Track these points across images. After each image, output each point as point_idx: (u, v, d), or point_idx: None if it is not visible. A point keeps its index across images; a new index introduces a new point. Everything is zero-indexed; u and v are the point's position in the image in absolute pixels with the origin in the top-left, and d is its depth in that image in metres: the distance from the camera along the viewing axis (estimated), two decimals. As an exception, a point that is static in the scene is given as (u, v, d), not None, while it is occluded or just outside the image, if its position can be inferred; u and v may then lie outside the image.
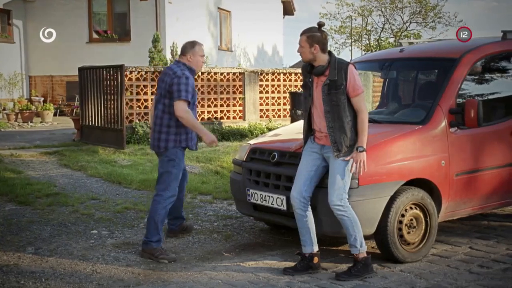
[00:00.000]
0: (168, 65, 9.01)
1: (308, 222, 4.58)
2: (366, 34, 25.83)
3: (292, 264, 4.79)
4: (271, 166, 5.09)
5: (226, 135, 11.87)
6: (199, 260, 5.04)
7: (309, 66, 4.55)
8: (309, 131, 4.67)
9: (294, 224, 4.99)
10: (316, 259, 4.64)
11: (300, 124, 6.02)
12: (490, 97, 5.52)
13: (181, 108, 5.03)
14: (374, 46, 26.16)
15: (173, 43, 14.56)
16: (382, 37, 25.99)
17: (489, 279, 4.45)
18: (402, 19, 26.82)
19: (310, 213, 4.57)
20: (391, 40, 27.59)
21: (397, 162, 4.73)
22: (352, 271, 4.50)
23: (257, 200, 5.14)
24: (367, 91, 6.22)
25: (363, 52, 25.78)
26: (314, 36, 4.45)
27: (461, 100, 5.11)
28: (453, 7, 46.13)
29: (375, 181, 4.60)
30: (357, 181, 4.55)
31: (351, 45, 26.27)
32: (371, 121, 5.41)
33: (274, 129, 12.53)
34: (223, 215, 6.47)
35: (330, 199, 4.44)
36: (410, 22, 26.96)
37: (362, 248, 4.54)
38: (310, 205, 4.60)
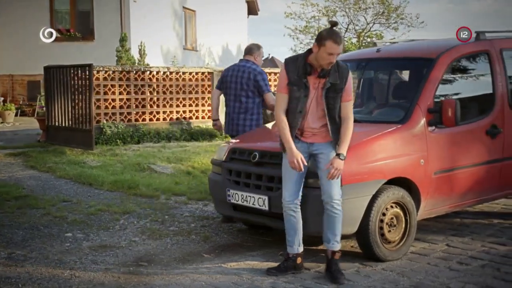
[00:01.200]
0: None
1: (297, 223, 4.56)
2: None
3: (274, 264, 4.77)
4: (251, 166, 5.06)
5: (195, 135, 11.79)
6: (179, 262, 4.98)
7: (308, 66, 4.40)
8: (293, 130, 4.51)
9: (276, 224, 4.98)
10: (299, 259, 4.63)
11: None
12: (466, 96, 5.60)
13: (272, 98, 6.04)
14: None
15: (141, 43, 14.35)
16: (346, 37, 26.21)
17: (469, 275, 4.52)
18: (366, 19, 27.23)
19: (299, 214, 4.55)
20: (354, 40, 27.89)
21: (378, 161, 4.76)
22: (339, 269, 4.49)
23: (237, 201, 5.10)
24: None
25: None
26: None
27: (439, 99, 5.18)
28: (414, 8, 47.04)
29: (357, 180, 4.61)
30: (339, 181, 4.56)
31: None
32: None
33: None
34: (200, 216, 6.41)
35: (332, 193, 4.40)
36: (374, 23, 27.40)
37: (339, 245, 4.56)
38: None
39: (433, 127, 5.10)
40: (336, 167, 4.36)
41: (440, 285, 4.31)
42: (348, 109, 4.48)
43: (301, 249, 4.63)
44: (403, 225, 4.96)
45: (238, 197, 5.08)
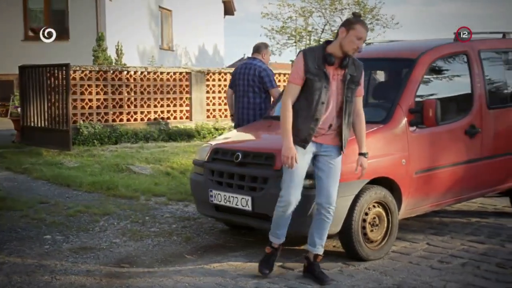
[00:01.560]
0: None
1: (289, 218, 4.50)
2: (307, 35, 26.06)
3: (256, 264, 4.75)
4: (234, 166, 5.04)
5: (173, 136, 11.72)
6: (162, 263, 4.93)
7: (328, 55, 4.26)
8: (316, 122, 4.29)
9: (259, 224, 4.98)
10: (281, 248, 4.65)
11: (260, 123, 6.01)
12: (445, 96, 5.66)
13: (278, 92, 6.51)
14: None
15: (118, 42, 14.20)
16: (323, 38, 26.31)
17: (450, 274, 4.57)
18: (342, 20, 27.21)
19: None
20: (330, 41, 27.89)
21: (361, 161, 4.77)
22: (321, 271, 4.50)
23: (220, 201, 5.08)
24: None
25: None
26: None
27: (420, 99, 5.22)
28: (388, 9, 47.52)
29: (342, 180, 4.61)
30: (323, 181, 4.57)
31: (296, 44, 26.45)
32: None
33: (221, 129, 12.50)
34: (181, 217, 6.37)
35: (331, 198, 4.38)
36: (350, 24, 27.25)
37: (323, 249, 4.58)
38: None
39: (414, 127, 5.14)
40: (365, 166, 4.43)
41: (422, 283, 4.35)
42: (361, 104, 4.50)
43: (283, 239, 4.62)
44: (385, 225, 4.99)
45: (221, 197, 5.06)
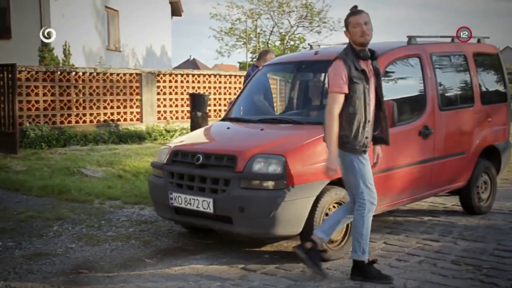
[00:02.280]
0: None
1: None
2: (255, 36, 26.19)
3: (220, 267, 4.75)
4: (195, 168, 5.00)
5: (124, 138, 11.55)
6: (121, 268, 4.83)
7: (360, 51, 4.29)
8: (370, 127, 4.39)
9: (220, 227, 4.97)
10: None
11: (218, 125, 5.98)
12: (401, 98, 5.78)
13: None
14: (261, 49, 26.68)
15: (66, 42, 13.86)
16: (271, 40, 26.56)
17: (409, 272, 4.67)
18: (290, 23, 27.67)
19: None
20: (277, 43, 28.27)
21: (322, 162, 4.80)
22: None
23: (180, 204, 5.03)
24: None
25: (251, 55, 26.18)
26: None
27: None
28: (333, 13, 48.37)
29: (303, 181, 4.66)
30: (285, 182, 4.60)
31: (245, 46, 26.53)
32: (291, 122, 5.54)
33: (172, 131, 12.40)
34: (137, 220, 6.27)
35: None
36: (297, 26, 27.88)
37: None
38: (242, 208, 4.59)
39: (372, 128, 5.22)
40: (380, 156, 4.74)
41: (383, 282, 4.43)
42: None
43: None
44: (344, 225, 5.05)
45: (181, 200, 5.01)
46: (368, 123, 4.36)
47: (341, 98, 4.27)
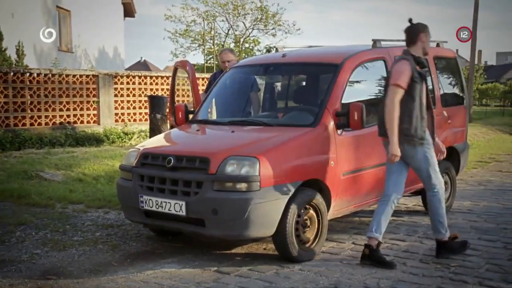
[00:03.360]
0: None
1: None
2: (210, 39, 26.10)
3: (192, 270, 4.73)
4: (166, 171, 4.94)
5: (81, 140, 11.31)
6: (91, 273, 4.73)
7: (418, 58, 4.89)
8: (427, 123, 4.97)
9: (192, 229, 4.92)
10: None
11: (187, 127, 5.93)
12: (368, 100, 5.87)
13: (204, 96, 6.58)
14: (217, 51, 26.64)
15: (19, 42, 13.45)
16: (227, 42, 26.51)
17: (381, 271, 4.74)
18: (245, 25, 27.70)
19: None
20: (232, 45, 28.22)
21: (294, 164, 4.86)
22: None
23: (151, 207, 4.96)
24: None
25: (205, 57, 26.10)
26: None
27: (346, 103, 5.37)
28: (291, 16, 48.76)
29: (276, 183, 4.68)
30: (258, 184, 4.60)
31: (201, 48, 26.42)
32: (261, 124, 5.55)
33: (130, 133, 12.23)
34: (103, 224, 6.14)
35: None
36: (252, 29, 27.94)
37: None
38: (215, 210, 4.58)
39: (341, 130, 5.29)
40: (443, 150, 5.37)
41: (357, 282, 4.49)
42: None
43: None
44: (316, 226, 5.10)
45: (152, 203, 4.94)
46: (423, 119, 4.89)
47: (401, 93, 4.79)
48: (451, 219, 6.54)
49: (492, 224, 6.14)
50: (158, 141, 5.66)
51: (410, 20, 5.00)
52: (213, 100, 6.23)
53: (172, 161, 4.90)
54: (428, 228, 6.12)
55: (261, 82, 6.29)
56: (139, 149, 5.35)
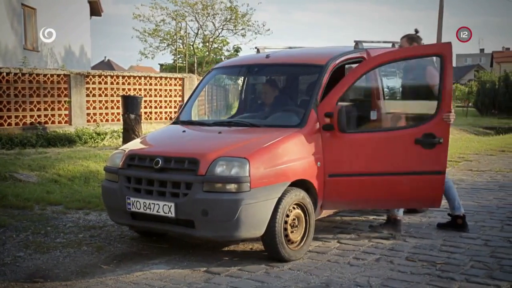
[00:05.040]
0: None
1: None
2: (180, 38, 25.93)
3: (181, 271, 4.69)
4: (154, 172, 4.90)
5: (53, 141, 11.11)
6: (78, 275, 4.66)
7: None
8: None
9: (181, 231, 4.90)
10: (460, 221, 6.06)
11: (173, 128, 5.89)
12: (353, 99, 5.91)
13: None
14: (188, 51, 26.44)
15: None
16: (196, 42, 26.38)
17: (369, 269, 4.81)
18: (214, 25, 27.62)
19: None
20: (200, 45, 28.14)
21: (282, 165, 4.87)
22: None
23: (139, 209, 4.91)
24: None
25: (173, 57, 25.93)
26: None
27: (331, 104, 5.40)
28: (261, 16, 48.96)
29: (265, 184, 4.69)
30: (248, 184, 4.60)
31: (171, 47, 26.22)
32: (248, 125, 5.55)
33: (103, 133, 12.06)
34: (85, 226, 6.05)
35: None
36: (222, 29, 27.88)
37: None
38: (205, 211, 4.57)
39: (327, 131, 5.32)
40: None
41: (348, 280, 4.53)
42: None
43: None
44: (304, 226, 5.13)
45: (140, 205, 4.90)
46: None
47: None
48: (430, 217, 6.67)
49: (470, 222, 6.26)
50: (144, 142, 5.60)
51: (416, 31, 6.08)
52: (197, 100, 6.21)
53: (160, 162, 4.86)
54: (409, 226, 6.23)
55: (244, 82, 6.28)
56: (125, 150, 5.29)
